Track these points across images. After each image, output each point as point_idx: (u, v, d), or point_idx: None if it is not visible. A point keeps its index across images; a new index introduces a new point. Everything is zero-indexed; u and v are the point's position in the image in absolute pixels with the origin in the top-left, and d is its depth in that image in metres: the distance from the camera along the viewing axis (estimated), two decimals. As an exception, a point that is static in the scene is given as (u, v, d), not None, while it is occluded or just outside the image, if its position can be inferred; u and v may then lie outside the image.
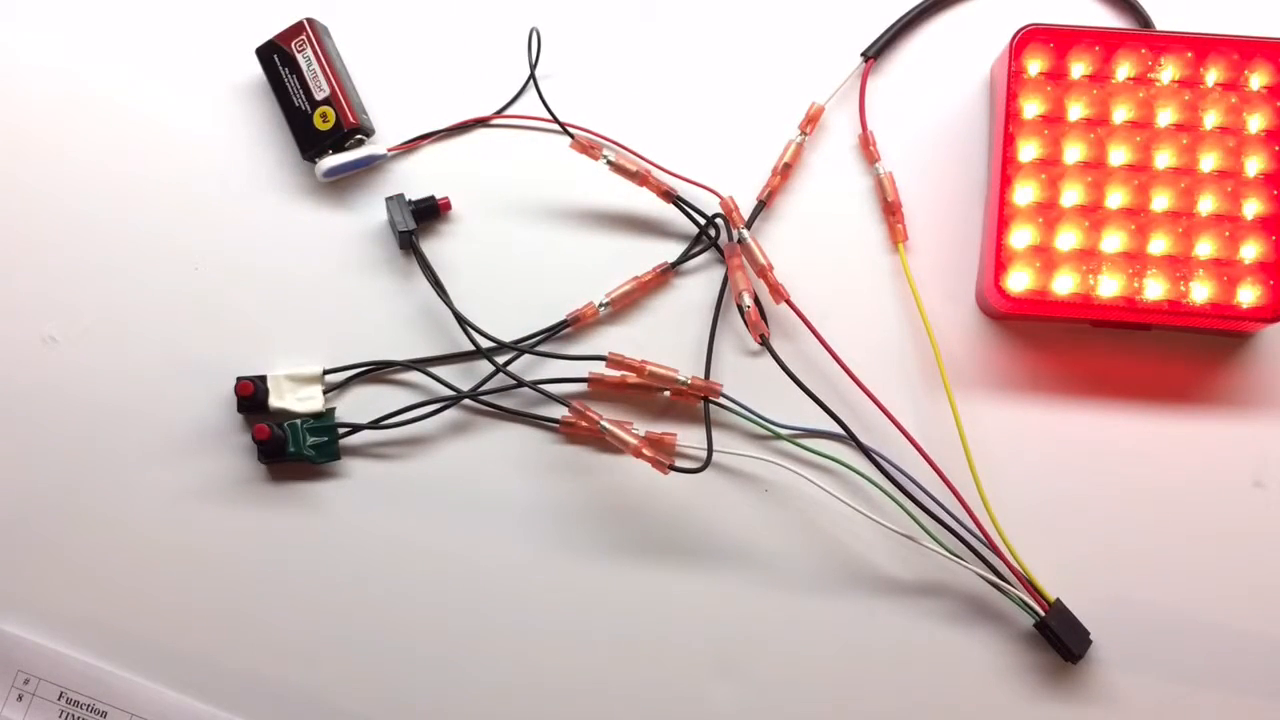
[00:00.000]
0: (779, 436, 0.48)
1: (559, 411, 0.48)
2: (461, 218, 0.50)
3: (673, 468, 0.46)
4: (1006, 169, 0.47)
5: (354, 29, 0.51)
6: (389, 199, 0.49)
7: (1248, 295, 0.46)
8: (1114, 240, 0.46)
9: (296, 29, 0.50)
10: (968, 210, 0.49)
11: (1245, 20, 0.49)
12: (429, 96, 0.50)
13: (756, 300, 0.48)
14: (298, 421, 0.48)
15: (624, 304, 0.49)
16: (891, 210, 0.49)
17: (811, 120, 0.50)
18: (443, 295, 0.48)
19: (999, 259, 0.46)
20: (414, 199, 0.49)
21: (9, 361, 0.49)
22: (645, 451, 0.46)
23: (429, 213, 0.49)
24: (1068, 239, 0.46)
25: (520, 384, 0.48)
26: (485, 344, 0.48)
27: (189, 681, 0.47)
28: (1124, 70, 0.47)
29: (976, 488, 0.46)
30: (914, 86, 0.50)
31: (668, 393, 0.48)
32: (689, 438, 0.48)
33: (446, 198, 0.49)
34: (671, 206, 0.49)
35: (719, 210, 0.49)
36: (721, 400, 0.47)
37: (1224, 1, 0.50)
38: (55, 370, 0.49)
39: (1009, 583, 0.46)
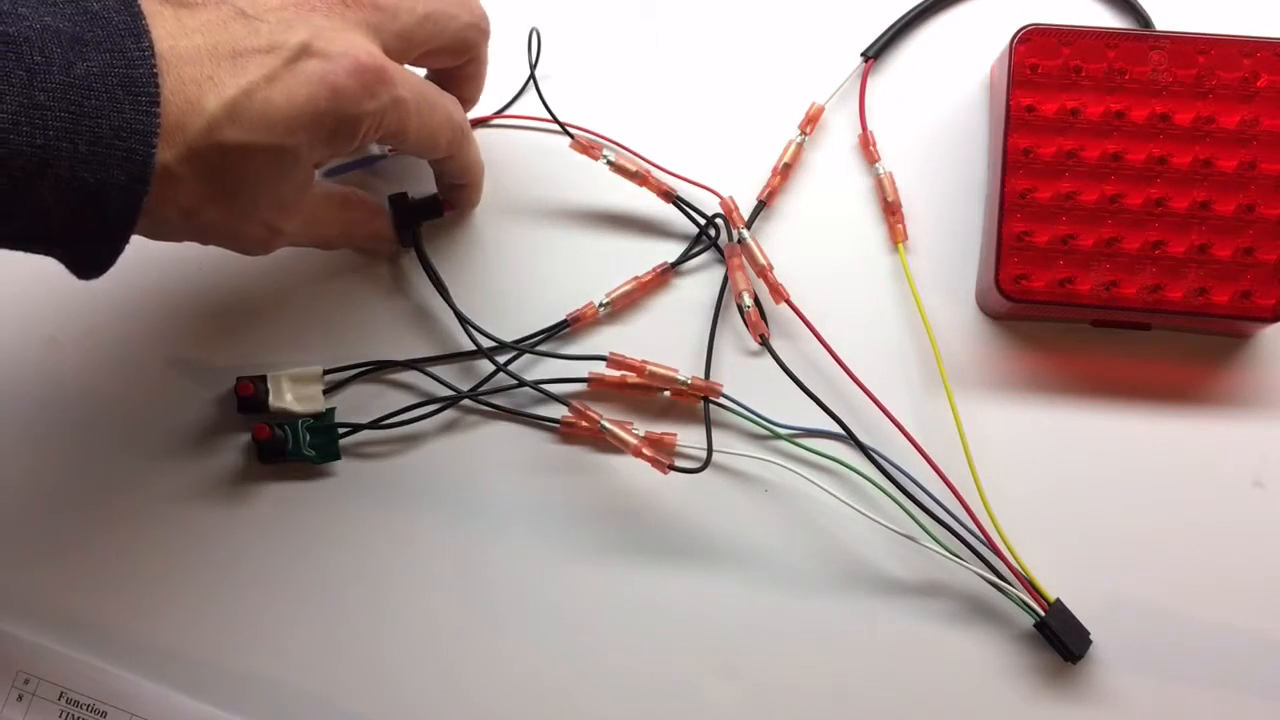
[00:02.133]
0: (778, 436, 0.48)
1: (558, 411, 0.48)
2: (459, 217, 0.50)
3: (672, 467, 0.46)
4: (1006, 169, 0.47)
5: (354, 29, 0.51)
6: (391, 196, 0.49)
7: (1249, 295, 0.46)
8: (1114, 240, 0.46)
9: (296, 29, 0.50)
10: (967, 210, 0.49)
11: (1246, 20, 0.49)
12: (429, 96, 0.50)
13: (756, 300, 0.48)
14: (298, 421, 0.48)
15: (624, 304, 0.49)
16: (891, 210, 0.49)
17: (811, 120, 0.50)
18: (444, 294, 0.48)
19: (999, 259, 0.46)
20: (415, 197, 0.49)
21: (9, 362, 0.49)
22: (645, 451, 0.46)
23: (430, 211, 0.49)
24: (1068, 239, 0.46)
25: (521, 384, 0.48)
26: (486, 343, 0.48)
27: (189, 681, 0.47)
28: (1124, 70, 0.47)
29: (976, 488, 0.46)
30: (914, 86, 0.50)
31: (668, 393, 0.48)
32: (689, 438, 0.48)
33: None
34: (671, 206, 0.49)
35: (719, 210, 0.49)
36: (721, 400, 0.47)
37: (1224, 1, 0.50)
38: (56, 371, 0.49)
39: (1009, 583, 0.46)
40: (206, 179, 0.36)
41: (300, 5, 0.38)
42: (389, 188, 0.50)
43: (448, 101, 0.43)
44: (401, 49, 0.40)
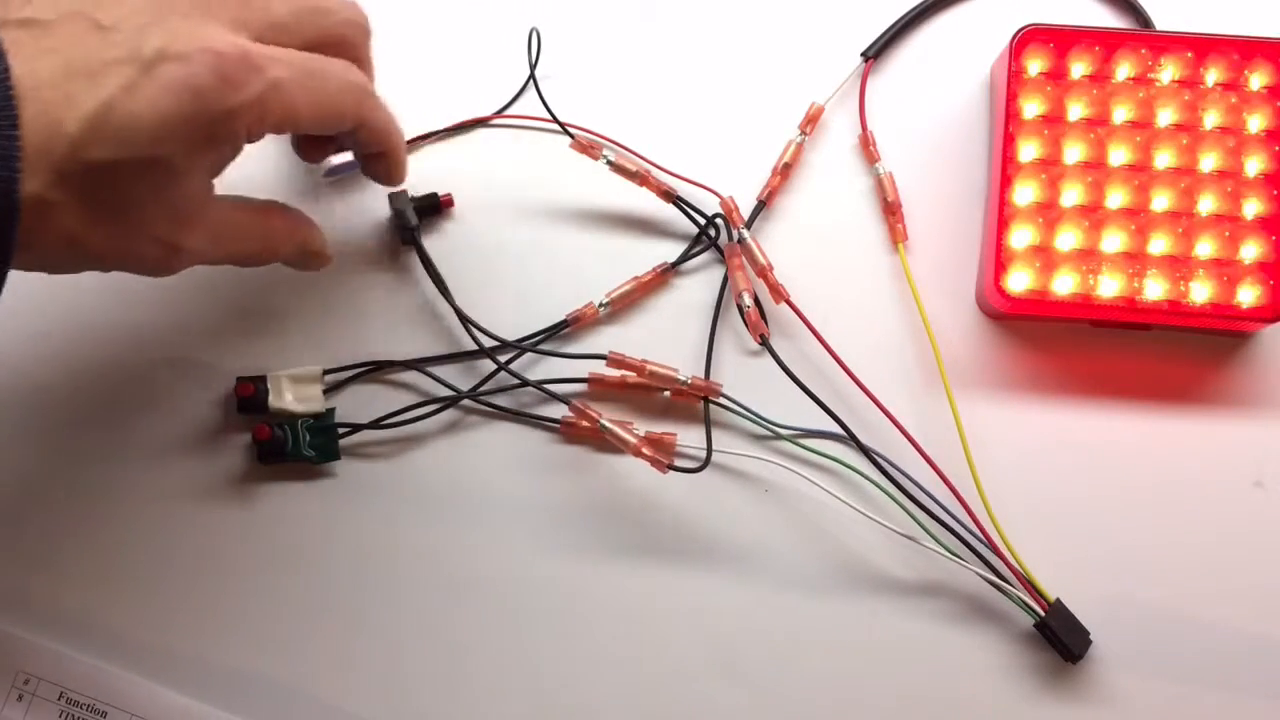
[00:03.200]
0: (779, 436, 0.48)
1: (559, 411, 0.48)
2: (460, 218, 0.50)
3: (672, 467, 0.46)
4: (1006, 169, 0.47)
5: (354, 29, 0.51)
6: (391, 194, 0.49)
7: (1248, 295, 0.46)
8: (1114, 240, 0.46)
9: (297, 29, 0.49)
10: (968, 210, 0.49)
11: (1245, 20, 0.49)
12: (429, 96, 0.50)
13: (756, 300, 0.48)
14: (298, 421, 0.48)
15: (624, 304, 0.49)
16: (891, 210, 0.49)
17: (811, 120, 0.50)
18: (444, 293, 0.48)
19: (999, 259, 0.46)
20: (416, 195, 0.49)
21: (9, 363, 0.49)
22: (644, 450, 0.46)
23: (431, 209, 0.49)
24: (1068, 239, 0.46)
25: (524, 383, 0.48)
26: (487, 342, 0.48)
27: (189, 681, 0.47)
28: (1124, 70, 0.47)
29: (976, 488, 0.46)
30: (914, 86, 0.50)
31: (668, 393, 0.48)
32: (689, 438, 0.48)
33: (449, 194, 0.49)
34: (671, 206, 0.49)
35: (719, 210, 0.49)
36: (721, 400, 0.47)
37: (1224, 1, 0.50)
38: (55, 371, 0.49)
39: (1009, 583, 0.46)
40: (83, 202, 0.35)
41: (159, 7, 0.36)
42: (381, 189, 0.50)
43: (339, 68, 0.40)
44: (277, 40, 0.38)
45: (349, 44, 0.42)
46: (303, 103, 0.38)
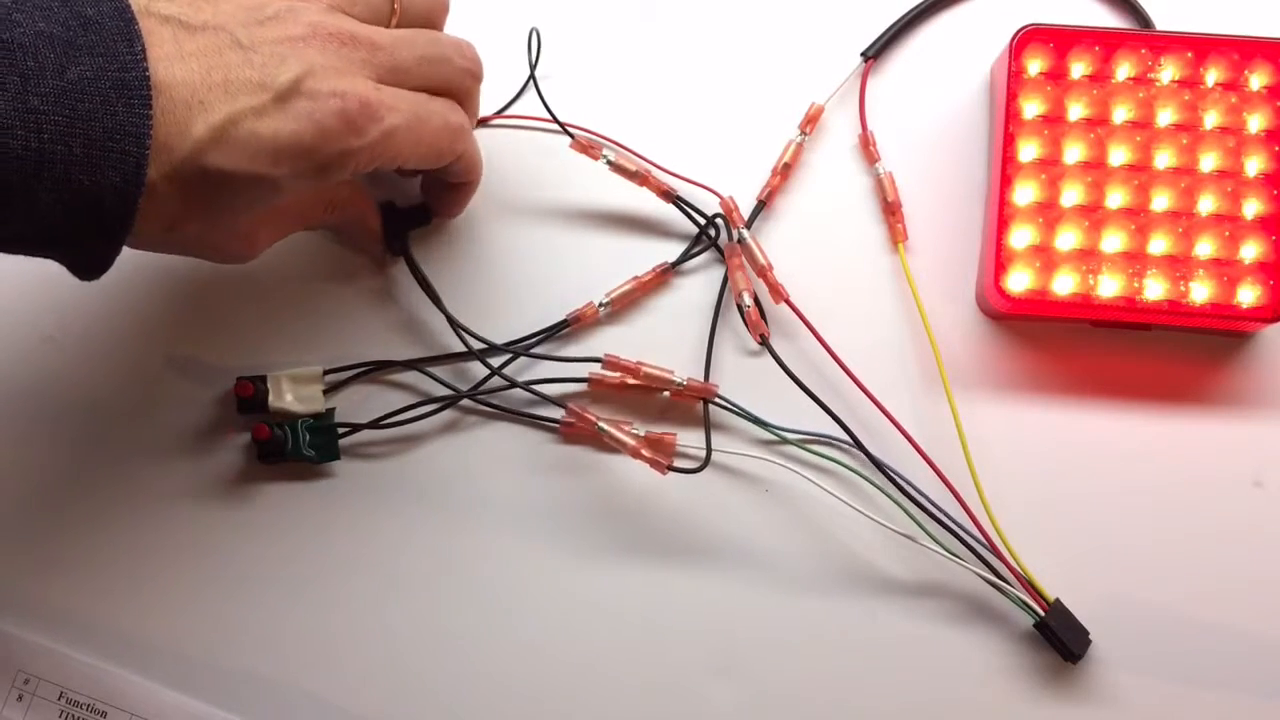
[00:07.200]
0: (784, 441, 0.48)
1: (559, 411, 0.48)
2: (461, 218, 0.50)
3: (671, 468, 0.46)
4: (1006, 169, 0.47)
5: (354, 29, 0.51)
6: (380, 205, 0.48)
7: (1248, 295, 0.46)
8: (1114, 240, 0.46)
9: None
10: (968, 210, 0.49)
11: (1245, 20, 0.49)
12: (429, 96, 0.50)
13: (756, 300, 0.48)
14: (298, 421, 0.48)
15: (624, 304, 0.49)
16: (891, 210, 0.49)
17: (811, 120, 0.50)
18: (436, 301, 0.48)
19: (999, 259, 0.46)
20: (403, 206, 0.49)
21: (9, 362, 0.49)
22: (644, 452, 0.46)
23: (419, 219, 0.49)
24: (1068, 239, 0.46)
25: (526, 386, 0.48)
26: (479, 346, 0.48)
27: (189, 681, 0.48)
28: (1124, 70, 0.47)
29: (976, 488, 0.46)
30: (914, 86, 0.50)
31: (668, 393, 0.48)
32: (689, 438, 0.48)
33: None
34: (671, 206, 0.49)
35: (719, 210, 0.49)
36: (719, 402, 0.47)
37: (1224, 1, 0.50)
38: (55, 370, 0.49)
39: (1008, 583, 0.46)
40: (189, 199, 0.37)
41: (296, 40, 0.38)
42: (388, 189, 0.50)
43: (441, 108, 0.42)
44: (397, 83, 0.41)
45: (462, 90, 0.44)
46: (410, 145, 0.41)
